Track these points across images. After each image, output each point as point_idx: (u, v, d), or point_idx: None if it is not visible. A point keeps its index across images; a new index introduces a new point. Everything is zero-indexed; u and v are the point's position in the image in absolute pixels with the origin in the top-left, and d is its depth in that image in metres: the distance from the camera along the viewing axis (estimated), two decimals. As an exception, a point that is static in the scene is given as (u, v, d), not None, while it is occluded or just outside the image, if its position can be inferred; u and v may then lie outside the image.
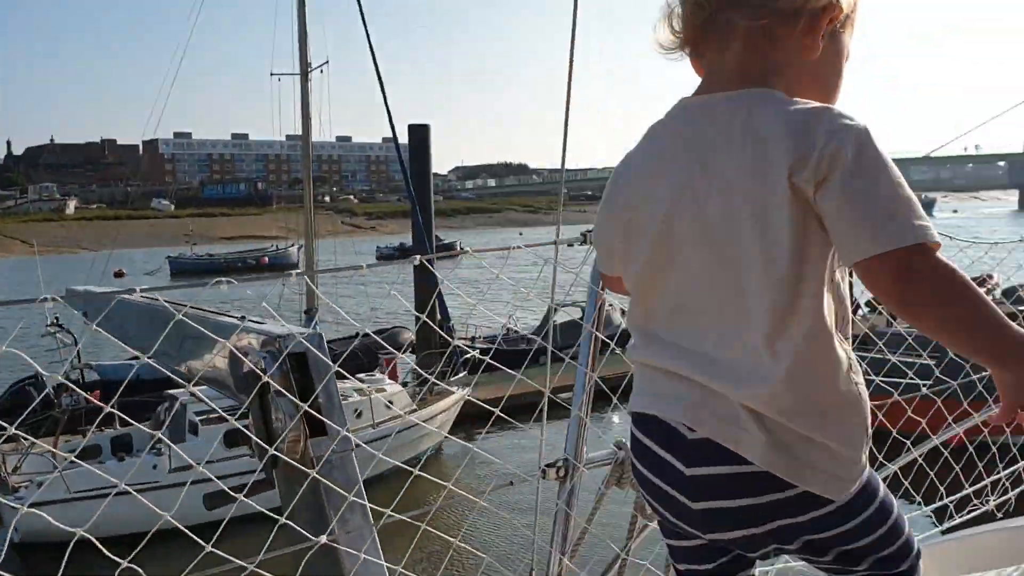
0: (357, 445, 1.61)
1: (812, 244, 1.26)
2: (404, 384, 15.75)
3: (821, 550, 1.39)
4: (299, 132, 18.85)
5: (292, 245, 42.02)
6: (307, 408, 1.50)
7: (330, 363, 1.57)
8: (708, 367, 1.32)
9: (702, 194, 1.31)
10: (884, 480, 2.46)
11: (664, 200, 1.36)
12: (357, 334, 14.72)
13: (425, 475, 1.95)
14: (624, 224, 1.45)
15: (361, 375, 13.98)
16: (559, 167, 2.00)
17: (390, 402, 13.69)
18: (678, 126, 1.39)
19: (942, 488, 2.90)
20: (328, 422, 1.54)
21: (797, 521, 1.33)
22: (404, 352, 17.67)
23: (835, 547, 1.38)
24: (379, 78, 16.87)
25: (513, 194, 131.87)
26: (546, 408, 2.00)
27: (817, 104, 1.28)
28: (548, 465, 1.85)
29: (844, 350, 1.33)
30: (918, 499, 2.86)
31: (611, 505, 1.94)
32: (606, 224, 1.51)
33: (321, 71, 18.47)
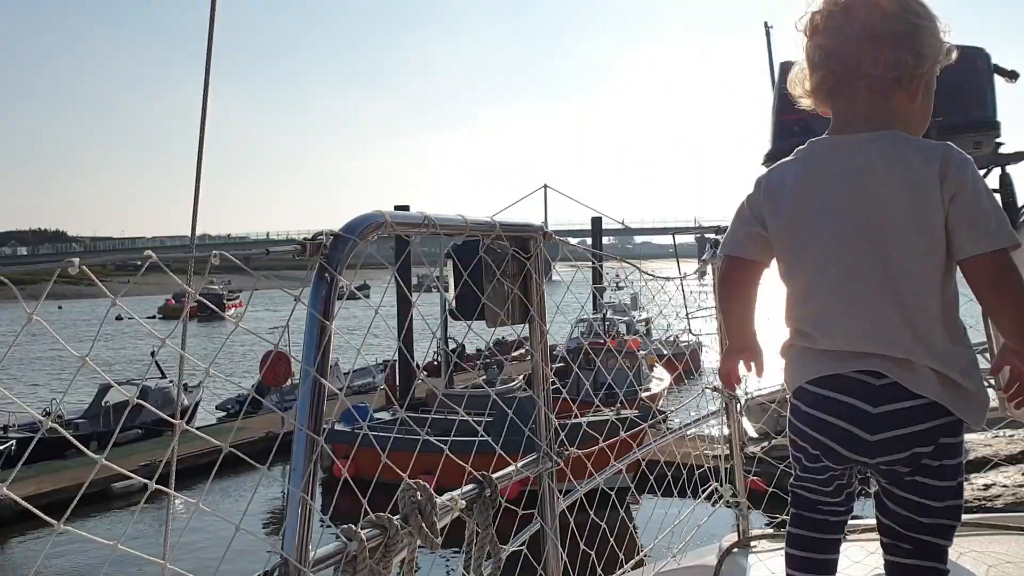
0: None
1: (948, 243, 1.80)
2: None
3: (952, 473, 1.87)
4: None
5: None
6: None
7: None
8: (887, 343, 1.81)
9: (863, 210, 1.83)
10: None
11: (825, 216, 1.87)
12: None
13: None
14: (786, 230, 1.94)
15: None
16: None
17: None
18: (831, 158, 1.91)
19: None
20: None
21: (952, 441, 1.85)
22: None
23: (958, 477, 1.88)
24: None
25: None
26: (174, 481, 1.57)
27: (939, 142, 1.85)
28: (264, 574, 1.30)
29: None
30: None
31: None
32: (754, 220, 1.99)
33: None
